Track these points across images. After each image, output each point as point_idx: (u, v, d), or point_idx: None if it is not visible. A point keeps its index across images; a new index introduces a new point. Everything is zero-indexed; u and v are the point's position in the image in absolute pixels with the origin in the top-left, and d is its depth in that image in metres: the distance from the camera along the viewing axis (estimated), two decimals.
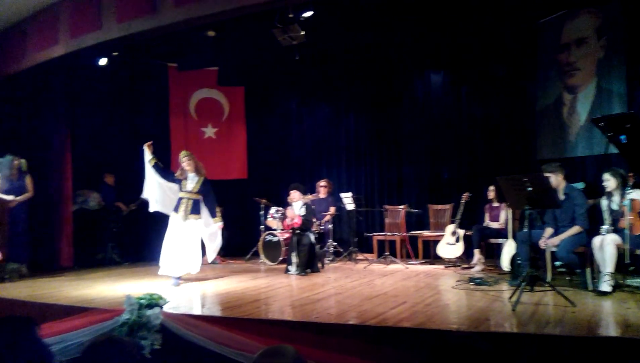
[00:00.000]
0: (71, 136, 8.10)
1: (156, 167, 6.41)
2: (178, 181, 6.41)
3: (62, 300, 5.04)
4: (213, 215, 6.48)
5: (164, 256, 6.20)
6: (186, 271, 6.22)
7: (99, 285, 6.10)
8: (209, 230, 6.48)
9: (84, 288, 5.84)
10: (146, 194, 6.49)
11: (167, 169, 6.64)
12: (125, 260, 8.35)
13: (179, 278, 6.16)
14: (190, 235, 6.24)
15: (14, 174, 6.96)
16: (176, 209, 6.28)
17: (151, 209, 6.53)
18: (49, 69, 7.40)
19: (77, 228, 8.09)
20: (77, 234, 8.06)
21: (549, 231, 5.44)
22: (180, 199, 6.33)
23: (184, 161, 6.40)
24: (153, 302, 4.14)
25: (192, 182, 6.37)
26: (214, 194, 6.56)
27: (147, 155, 6.41)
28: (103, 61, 7.95)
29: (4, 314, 4.72)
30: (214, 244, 6.56)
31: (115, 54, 7.98)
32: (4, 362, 1.45)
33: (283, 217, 7.52)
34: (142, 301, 4.12)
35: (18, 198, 6.88)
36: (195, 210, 6.32)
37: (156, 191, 6.44)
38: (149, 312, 4.06)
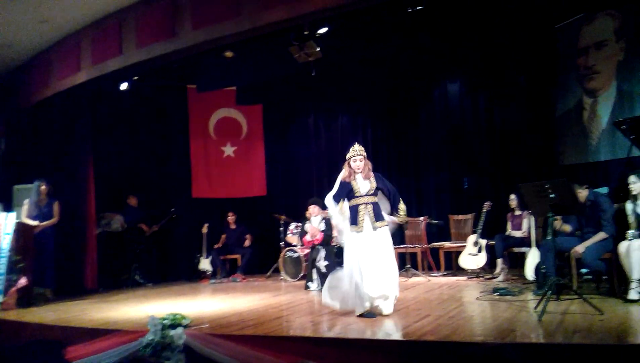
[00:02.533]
0: (94, 159, 8.26)
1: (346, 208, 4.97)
2: (347, 189, 4.94)
3: (86, 323, 5.10)
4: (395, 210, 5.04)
5: (368, 287, 4.67)
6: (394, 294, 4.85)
7: (123, 306, 6.16)
8: None
9: (108, 310, 5.91)
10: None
11: (340, 192, 4.99)
12: (148, 281, 8.43)
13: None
14: (388, 248, 4.84)
15: (42, 200, 7.11)
16: (354, 221, 4.83)
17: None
18: (72, 95, 7.58)
19: (101, 251, 8.22)
20: (101, 256, 8.18)
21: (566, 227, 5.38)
22: (356, 207, 4.86)
23: (357, 159, 4.91)
24: (176, 322, 4.16)
25: (364, 182, 4.91)
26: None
27: (334, 210, 4.95)
28: (124, 86, 8.13)
29: (32, 339, 4.82)
30: None
31: (136, 78, 8.16)
32: None
33: (302, 233, 7.51)
34: (165, 321, 4.15)
35: (43, 223, 7.01)
36: (380, 215, 4.88)
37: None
38: (172, 332, 4.08)
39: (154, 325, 4.16)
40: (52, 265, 7.13)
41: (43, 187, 7.13)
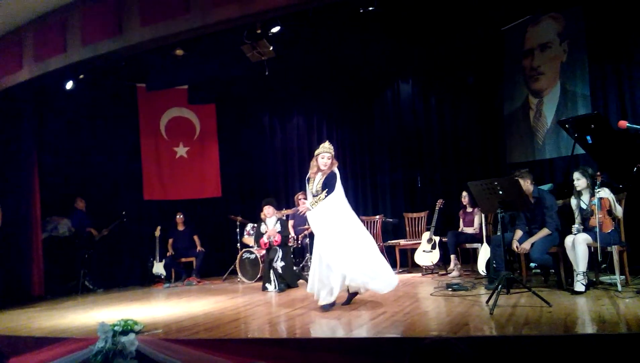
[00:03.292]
0: (39, 161, 7.92)
1: None
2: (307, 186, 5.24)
3: (34, 331, 4.88)
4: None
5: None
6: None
7: (72, 313, 5.93)
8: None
9: (56, 317, 5.67)
10: None
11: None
12: (99, 287, 8.15)
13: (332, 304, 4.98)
14: (326, 246, 4.99)
15: None
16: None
17: None
18: (14, 94, 7.24)
19: (48, 256, 7.87)
20: (47, 262, 7.83)
21: (518, 233, 5.51)
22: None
23: (325, 156, 5.10)
24: (127, 328, 4.04)
25: (317, 182, 5.15)
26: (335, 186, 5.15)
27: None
28: (69, 85, 7.84)
29: None
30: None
31: (82, 77, 7.89)
32: None
33: (258, 235, 7.42)
34: (116, 327, 4.02)
35: None
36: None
37: None
38: (123, 339, 3.96)
39: (104, 332, 4.02)
40: None
41: None
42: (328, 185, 5.08)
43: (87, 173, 8.80)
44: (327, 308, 4.90)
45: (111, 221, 8.60)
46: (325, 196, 5.05)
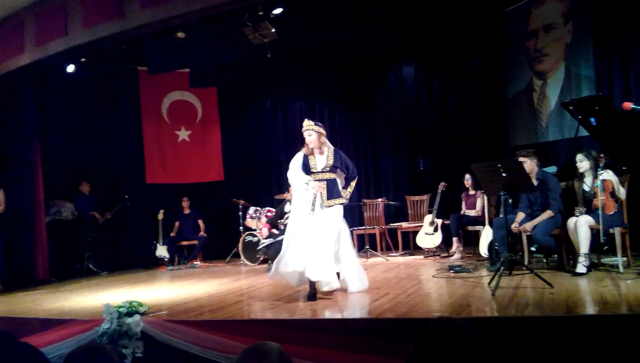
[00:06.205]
0: (41, 145, 7.94)
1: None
2: (304, 162, 4.91)
3: (39, 313, 4.92)
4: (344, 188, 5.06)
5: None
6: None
7: (77, 296, 5.99)
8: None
9: (61, 300, 5.72)
10: None
11: (298, 161, 4.95)
12: (103, 270, 8.21)
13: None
14: (332, 227, 4.78)
15: None
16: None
17: None
18: (16, 78, 7.22)
19: (52, 240, 7.93)
20: (52, 246, 7.90)
21: (520, 215, 5.51)
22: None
23: (306, 134, 4.86)
24: (133, 310, 4.08)
25: (321, 158, 4.90)
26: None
27: (299, 182, 4.87)
28: (71, 68, 7.81)
29: None
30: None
31: (83, 60, 7.86)
32: None
33: (279, 216, 7.35)
34: (121, 309, 4.06)
35: None
36: (333, 193, 4.86)
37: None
38: (129, 320, 4.00)
39: (109, 314, 4.06)
40: (0, 256, 6.85)
41: None
42: (343, 162, 4.95)
43: (89, 157, 8.81)
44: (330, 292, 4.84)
45: (114, 205, 8.63)
46: (352, 177, 4.99)
